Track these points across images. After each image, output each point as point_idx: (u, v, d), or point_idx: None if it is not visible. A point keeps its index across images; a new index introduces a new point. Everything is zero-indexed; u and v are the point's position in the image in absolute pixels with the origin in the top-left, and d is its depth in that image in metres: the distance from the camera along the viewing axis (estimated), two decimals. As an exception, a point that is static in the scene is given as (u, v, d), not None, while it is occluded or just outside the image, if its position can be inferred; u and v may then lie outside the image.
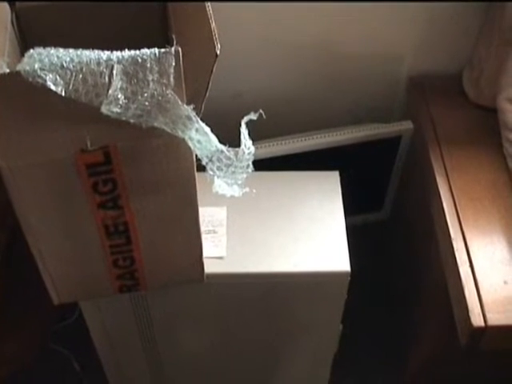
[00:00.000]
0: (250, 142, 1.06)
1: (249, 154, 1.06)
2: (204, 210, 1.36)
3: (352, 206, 1.54)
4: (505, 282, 1.33)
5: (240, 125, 1.05)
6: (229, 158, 1.05)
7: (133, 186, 1.12)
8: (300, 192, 1.52)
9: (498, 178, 1.53)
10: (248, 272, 1.39)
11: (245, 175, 1.08)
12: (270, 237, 1.44)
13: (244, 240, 1.43)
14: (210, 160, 1.05)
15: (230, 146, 1.05)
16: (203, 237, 1.31)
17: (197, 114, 1.01)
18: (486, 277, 1.34)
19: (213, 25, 1.03)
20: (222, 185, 1.09)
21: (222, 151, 1.04)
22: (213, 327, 1.57)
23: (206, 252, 1.33)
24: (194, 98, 1.02)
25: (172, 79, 0.97)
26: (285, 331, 1.59)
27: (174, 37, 1.01)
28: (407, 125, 1.68)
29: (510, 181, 1.51)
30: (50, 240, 1.19)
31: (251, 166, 1.08)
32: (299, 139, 1.62)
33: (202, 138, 1.02)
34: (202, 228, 1.29)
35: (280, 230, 1.45)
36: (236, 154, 1.05)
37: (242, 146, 1.05)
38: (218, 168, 1.05)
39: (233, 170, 1.06)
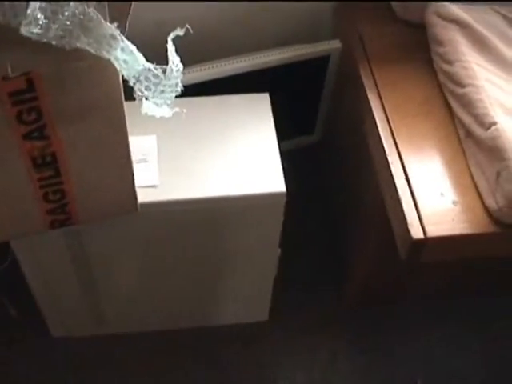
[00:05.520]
0: (178, 58, 1.06)
1: (177, 71, 1.06)
2: (133, 140, 1.36)
3: (284, 131, 1.57)
4: (441, 194, 1.38)
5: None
6: (157, 77, 1.05)
7: (59, 114, 1.11)
8: (230, 116, 1.54)
9: (430, 93, 1.56)
10: (182, 199, 1.41)
11: (174, 94, 1.08)
12: (202, 162, 1.46)
13: (176, 167, 1.45)
14: (138, 80, 1.05)
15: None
16: (134, 166, 1.31)
17: (121, 32, 1.00)
18: (422, 190, 1.38)
19: None
20: (150, 106, 1.08)
21: (149, 69, 1.04)
22: (149, 256, 1.59)
23: (138, 181, 1.34)
24: (117, 16, 1.01)
25: (92, -4, 0.96)
26: (223, 256, 1.63)
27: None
28: (335, 44, 1.70)
29: (442, 95, 1.54)
30: (-26, 176, 1.18)
31: (180, 84, 1.08)
32: (226, 63, 1.62)
33: (128, 58, 1.02)
34: (133, 157, 1.29)
35: (213, 155, 1.47)
36: (164, 72, 1.05)
37: (170, 63, 1.05)
38: (147, 88, 1.05)
39: (161, 88, 1.06)
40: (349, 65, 1.67)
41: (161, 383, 1.86)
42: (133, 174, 1.29)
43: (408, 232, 1.32)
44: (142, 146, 1.46)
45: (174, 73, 1.06)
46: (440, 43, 1.55)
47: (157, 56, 1.09)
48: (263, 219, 1.50)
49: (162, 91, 1.07)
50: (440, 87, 1.55)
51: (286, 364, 1.89)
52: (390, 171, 1.41)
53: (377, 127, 1.48)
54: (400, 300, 1.96)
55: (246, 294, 1.79)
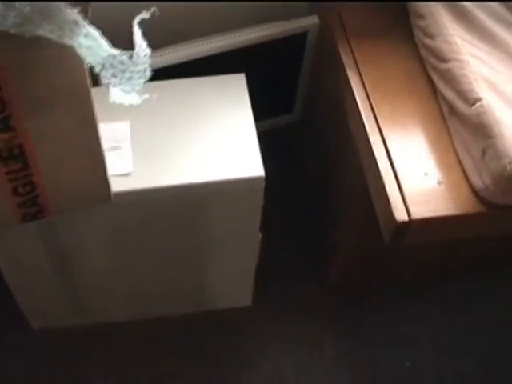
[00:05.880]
0: (145, 43, 1.02)
1: (145, 56, 1.02)
2: (105, 126, 1.32)
3: (262, 111, 1.53)
4: (425, 174, 1.34)
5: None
6: (123, 63, 1.00)
7: (24, 104, 1.07)
8: (205, 98, 1.49)
9: (412, 69, 1.52)
10: (158, 186, 1.37)
11: (142, 80, 1.04)
12: (178, 148, 1.42)
13: (151, 154, 1.41)
14: (103, 67, 1.00)
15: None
16: (107, 154, 1.28)
17: (84, 17, 0.96)
18: (405, 170, 1.35)
19: None
20: (118, 93, 1.04)
21: (114, 56, 0.99)
22: (126, 244, 1.55)
23: (111, 170, 1.31)
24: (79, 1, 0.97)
25: (50, -20, 0.91)
26: (203, 242, 1.59)
27: None
28: (312, 19, 1.65)
29: (424, 70, 1.50)
30: None
31: (149, 69, 1.03)
32: (200, 43, 1.57)
33: (92, 44, 0.98)
34: (105, 145, 1.26)
35: (188, 139, 1.43)
36: (131, 58, 1.01)
37: (137, 48, 1.01)
38: (113, 75, 1.01)
39: (129, 75, 1.02)
40: (327, 41, 1.62)
41: (144, 372, 1.83)
42: (104, 163, 1.25)
43: (391, 214, 1.29)
44: (114, 133, 1.41)
45: (142, 58, 1.01)
46: (421, 16, 1.51)
47: (125, 38, 1.04)
48: (242, 204, 1.46)
49: (130, 78, 1.02)
50: (422, 62, 1.51)
51: (271, 349, 1.86)
52: (372, 151, 1.37)
53: (357, 106, 1.44)
54: (384, 283, 1.93)
55: (229, 280, 1.75)
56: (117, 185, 1.33)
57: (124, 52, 1.00)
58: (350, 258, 1.78)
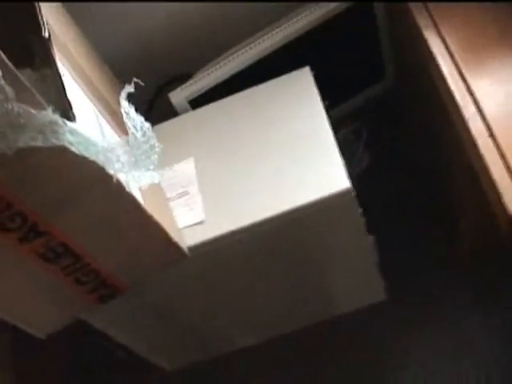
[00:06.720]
0: (141, 118, 0.87)
1: (143, 134, 0.87)
2: (170, 170, 1.21)
3: (352, 87, 1.45)
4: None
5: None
6: (122, 152, 0.86)
7: (45, 209, 0.98)
8: (270, 109, 1.33)
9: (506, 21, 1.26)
10: (236, 229, 1.20)
11: (153, 158, 0.90)
12: (251, 177, 1.25)
13: (221, 190, 1.26)
14: (104, 158, 0.87)
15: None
16: (175, 202, 1.22)
17: (64, 112, 0.83)
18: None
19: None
20: (133, 178, 0.91)
21: (108, 148, 0.85)
22: (230, 284, 1.41)
23: (182, 221, 1.22)
24: (53, 97, 0.84)
25: (8, 89, 0.79)
26: (313, 264, 1.42)
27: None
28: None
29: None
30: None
31: (155, 143, 0.89)
32: (258, 40, 1.38)
33: (80, 140, 0.85)
34: (172, 193, 1.21)
35: (259, 164, 1.26)
36: (127, 143, 0.86)
37: (131, 129, 0.87)
38: (117, 163, 0.88)
39: (133, 159, 0.88)
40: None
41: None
42: (163, 229, 1.13)
43: (504, 206, 1.07)
44: (179, 176, 1.27)
45: (141, 138, 0.87)
46: None
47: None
48: (338, 217, 1.27)
49: (136, 161, 0.88)
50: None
51: (414, 344, 1.68)
52: (469, 129, 1.15)
53: (444, 77, 1.22)
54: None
55: (354, 284, 1.56)
56: (190, 237, 1.20)
57: (119, 140, 0.86)
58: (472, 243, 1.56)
